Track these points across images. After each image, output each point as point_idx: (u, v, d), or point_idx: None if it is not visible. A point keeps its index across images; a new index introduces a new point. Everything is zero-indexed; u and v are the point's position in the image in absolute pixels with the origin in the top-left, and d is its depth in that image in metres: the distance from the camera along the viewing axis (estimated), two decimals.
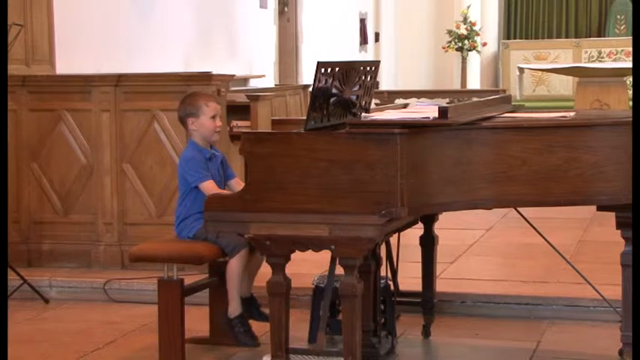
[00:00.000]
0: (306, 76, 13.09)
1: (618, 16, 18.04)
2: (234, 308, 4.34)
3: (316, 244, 3.49)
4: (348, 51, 15.27)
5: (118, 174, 6.05)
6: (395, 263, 4.50)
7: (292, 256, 3.65)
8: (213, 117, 4.40)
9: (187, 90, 5.66)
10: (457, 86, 17.09)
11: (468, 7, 17.40)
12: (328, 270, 3.97)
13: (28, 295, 5.63)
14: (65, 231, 6.16)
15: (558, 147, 3.58)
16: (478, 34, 17.42)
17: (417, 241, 4.64)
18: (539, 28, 18.96)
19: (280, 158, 3.50)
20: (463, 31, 17.22)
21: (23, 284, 5.60)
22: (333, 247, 3.47)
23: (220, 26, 10.89)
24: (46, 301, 5.62)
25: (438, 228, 4.67)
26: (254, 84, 11.30)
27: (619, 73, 12.01)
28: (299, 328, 4.47)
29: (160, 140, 5.95)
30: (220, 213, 3.62)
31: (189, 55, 9.88)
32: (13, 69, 6.35)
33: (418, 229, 4.53)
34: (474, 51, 17.39)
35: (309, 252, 3.54)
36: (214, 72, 5.95)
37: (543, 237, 4.34)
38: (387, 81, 16.27)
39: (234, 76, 6.73)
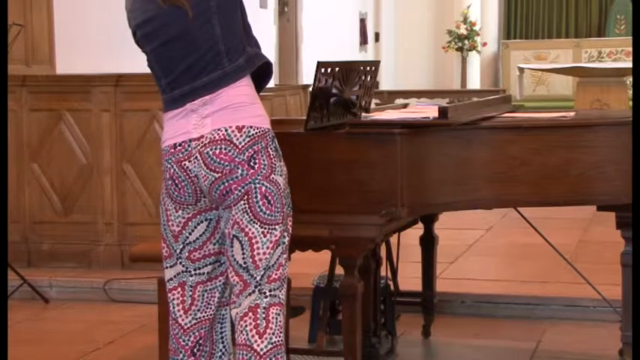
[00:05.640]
0: (306, 76, 13.09)
1: (618, 16, 18.03)
2: None
3: (316, 244, 3.48)
4: (348, 51, 15.27)
5: (118, 174, 6.05)
6: (395, 263, 4.49)
7: (292, 256, 3.64)
8: None
9: None
10: (457, 86, 17.09)
11: (468, 7, 17.40)
12: (328, 270, 3.97)
13: (28, 295, 5.63)
14: (65, 231, 6.16)
15: (558, 147, 3.58)
16: (478, 34, 17.42)
17: (417, 241, 4.64)
18: (539, 28, 18.96)
19: None
20: (463, 31, 17.23)
21: (23, 284, 5.60)
22: (333, 247, 3.47)
23: None
24: (46, 301, 5.63)
25: (438, 228, 4.67)
26: None
27: (619, 73, 11.99)
28: (299, 328, 4.47)
29: (159, 140, 5.90)
30: None
31: None
32: (13, 69, 6.36)
33: (418, 229, 4.53)
34: (474, 51, 17.39)
35: (309, 252, 3.54)
36: None
37: (543, 237, 4.34)
38: (387, 81, 16.27)
39: None
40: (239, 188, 2.69)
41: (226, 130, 2.69)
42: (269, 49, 12.34)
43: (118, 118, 6.05)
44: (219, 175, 2.69)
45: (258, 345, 2.70)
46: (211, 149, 2.69)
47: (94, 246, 6.11)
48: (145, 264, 4.83)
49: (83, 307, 5.55)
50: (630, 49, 15.74)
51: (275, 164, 2.73)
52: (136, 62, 4.40)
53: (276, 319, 2.73)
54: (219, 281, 2.90)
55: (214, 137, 2.69)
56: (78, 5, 7.88)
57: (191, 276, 2.86)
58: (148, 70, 2.86)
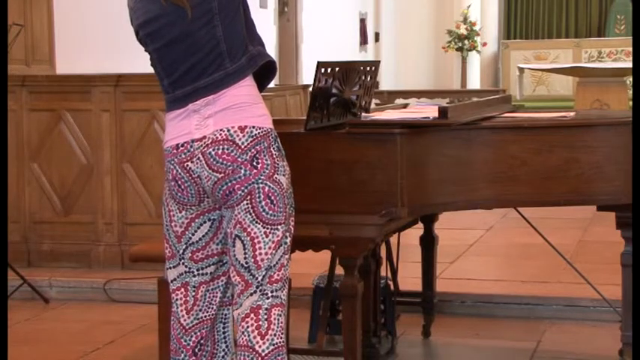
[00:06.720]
0: (306, 76, 13.09)
1: (618, 16, 18.03)
2: None
3: (316, 244, 3.48)
4: (348, 51, 15.27)
5: (118, 174, 6.05)
6: (395, 263, 4.50)
7: (292, 256, 3.63)
8: None
9: None
10: (457, 86, 17.09)
11: (468, 7, 17.40)
12: (328, 270, 3.97)
13: (28, 295, 5.63)
14: (65, 231, 6.16)
15: (558, 147, 3.58)
16: (478, 34, 17.42)
17: (417, 241, 4.64)
18: (539, 28, 18.96)
19: None
20: (463, 31, 17.23)
21: (23, 284, 5.60)
22: (333, 247, 3.47)
23: None
24: (46, 301, 5.63)
25: (438, 228, 4.67)
26: None
27: (619, 73, 11.97)
28: (299, 328, 4.47)
29: (159, 140, 5.94)
30: None
31: None
32: (13, 69, 6.36)
33: (418, 229, 4.53)
34: (474, 51, 17.39)
35: (309, 252, 3.55)
36: None
37: (543, 237, 4.34)
38: (387, 81, 16.26)
39: None
40: (242, 188, 2.70)
41: (229, 131, 2.70)
42: (269, 49, 12.30)
43: (118, 118, 6.05)
44: (222, 175, 2.70)
45: (259, 346, 2.71)
46: (214, 149, 2.69)
47: (94, 246, 6.11)
48: (145, 264, 4.85)
49: (83, 307, 5.55)
50: (630, 49, 15.74)
51: (278, 164, 2.75)
52: (136, 62, 4.42)
53: (278, 320, 2.74)
54: (222, 281, 2.90)
55: (217, 137, 2.70)
56: (78, 5, 7.88)
57: (194, 276, 2.87)
58: (148, 70, 2.86)
